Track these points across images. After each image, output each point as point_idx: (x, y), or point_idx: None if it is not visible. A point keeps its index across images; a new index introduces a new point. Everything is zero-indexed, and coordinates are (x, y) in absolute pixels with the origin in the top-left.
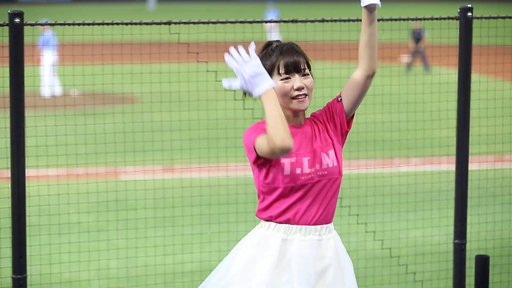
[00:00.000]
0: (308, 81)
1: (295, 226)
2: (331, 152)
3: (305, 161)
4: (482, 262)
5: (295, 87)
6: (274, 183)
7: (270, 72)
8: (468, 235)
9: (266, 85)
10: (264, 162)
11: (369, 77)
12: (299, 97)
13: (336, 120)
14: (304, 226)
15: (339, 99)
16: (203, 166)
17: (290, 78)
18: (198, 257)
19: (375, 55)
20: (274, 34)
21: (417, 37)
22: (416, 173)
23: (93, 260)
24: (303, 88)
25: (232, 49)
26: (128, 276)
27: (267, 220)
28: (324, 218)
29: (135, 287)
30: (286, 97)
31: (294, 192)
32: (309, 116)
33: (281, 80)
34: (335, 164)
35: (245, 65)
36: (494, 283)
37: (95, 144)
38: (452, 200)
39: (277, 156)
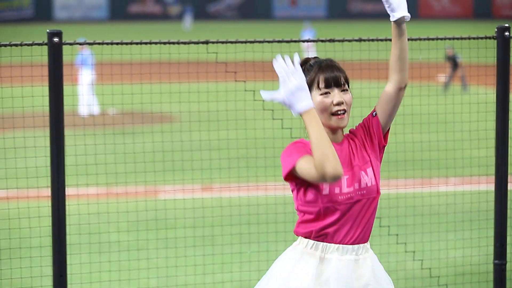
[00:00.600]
0: (347, 97)
1: (332, 245)
2: (369, 170)
3: (344, 180)
4: None
5: (334, 102)
6: (313, 202)
7: (310, 87)
8: (508, 255)
9: (308, 103)
10: (302, 182)
11: (402, 89)
12: (339, 113)
13: (373, 135)
14: (341, 245)
15: (374, 113)
16: (242, 185)
17: (330, 93)
18: (238, 277)
19: (406, 68)
20: (311, 53)
21: (454, 62)
22: (455, 192)
23: (133, 279)
24: (342, 103)
25: (279, 57)
26: None
27: (305, 237)
28: (362, 238)
29: None
30: (326, 113)
31: (333, 211)
32: (347, 133)
33: (321, 94)
34: (373, 182)
35: (291, 76)
36: None
37: (135, 163)
38: (491, 220)
39: (326, 182)
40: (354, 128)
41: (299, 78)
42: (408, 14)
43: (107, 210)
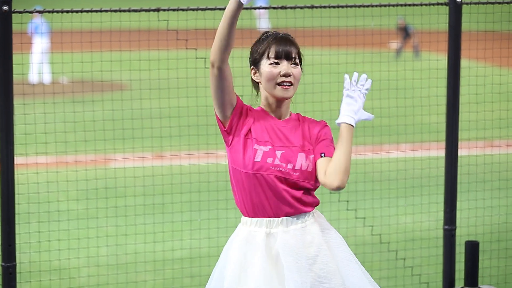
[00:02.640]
0: (296, 71)
1: (276, 219)
2: (311, 157)
3: (279, 154)
4: (472, 248)
5: (282, 73)
6: (242, 168)
7: (261, 57)
8: (458, 221)
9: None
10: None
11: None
12: (284, 84)
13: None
14: (284, 217)
15: (322, 154)
16: (193, 153)
17: (279, 64)
18: (188, 244)
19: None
20: (263, 20)
21: (406, 33)
22: (405, 159)
23: (83, 247)
24: (289, 75)
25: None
26: (118, 263)
27: (249, 216)
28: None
29: (125, 274)
30: (271, 82)
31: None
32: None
33: (270, 64)
34: (310, 169)
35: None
36: (484, 268)
37: (84, 131)
38: (442, 186)
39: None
40: (310, 119)
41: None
42: (370, 116)
43: (57, 179)
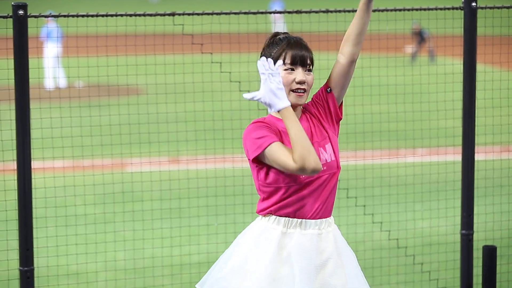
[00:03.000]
0: (310, 77)
1: (295, 219)
2: (328, 146)
3: None
4: (489, 253)
5: (297, 79)
6: (275, 183)
7: (275, 61)
8: (475, 226)
9: (286, 102)
10: (265, 164)
11: (354, 61)
12: (299, 91)
13: (329, 110)
14: (304, 220)
15: (328, 89)
16: (209, 158)
17: (294, 70)
18: (205, 249)
19: (362, 42)
20: (278, 25)
21: (421, 38)
22: (422, 163)
23: (100, 252)
24: (304, 82)
25: (263, 59)
26: (135, 267)
27: (266, 215)
28: (324, 212)
29: (142, 278)
30: (286, 88)
31: (295, 190)
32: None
33: (285, 70)
34: (333, 158)
35: (272, 77)
36: (502, 273)
37: (101, 136)
38: (458, 191)
39: (304, 174)
40: (307, 104)
41: (279, 80)
42: None
43: (74, 183)
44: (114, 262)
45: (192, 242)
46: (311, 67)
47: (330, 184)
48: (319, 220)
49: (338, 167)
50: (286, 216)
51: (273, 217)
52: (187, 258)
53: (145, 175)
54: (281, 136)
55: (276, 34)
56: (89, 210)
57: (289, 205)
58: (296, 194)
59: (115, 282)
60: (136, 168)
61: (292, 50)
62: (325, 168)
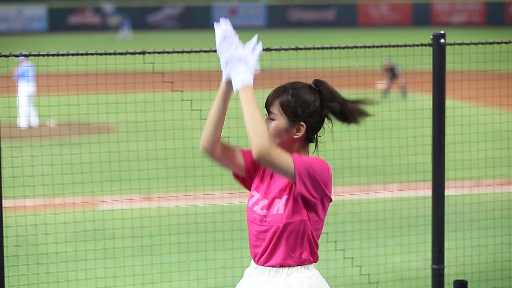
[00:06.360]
0: (270, 125)
1: (253, 263)
2: (283, 199)
3: (255, 198)
4: (461, 287)
5: None
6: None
7: None
8: (446, 260)
9: (246, 78)
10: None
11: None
12: None
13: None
14: (257, 265)
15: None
16: (180, 195)
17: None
18: (177, 285)
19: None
20: None
21: (393, 74)
22: (393, 199)
23: None
24: None
25: (222, 20)
26: None
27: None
28: (269, 260)
29: None
30: None
31: (249, 227)
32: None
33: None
34: (280, 212)
35: (224, 44)
36: None
37: (72, 174)
38: (429, 226)
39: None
40: None
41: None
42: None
43: (45, 221)
44: None
45: (164, 279)
46: (275, 116)
47: (279, 235)
48: (268, 268)
49: (281, 222)
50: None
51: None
52: None
53: (116, 213)
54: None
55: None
56: (61, 248)
57: (252, 245)
58: (250, 232)
59: None
60: (108, 206)
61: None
62: (270, 219)
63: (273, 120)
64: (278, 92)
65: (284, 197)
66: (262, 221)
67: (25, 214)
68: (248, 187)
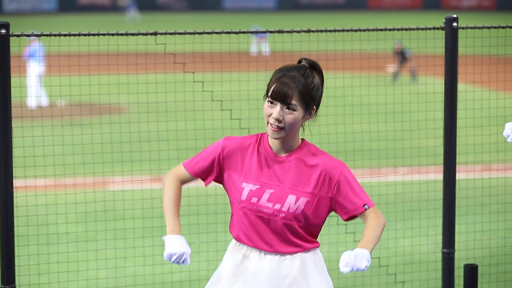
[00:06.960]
0: (289, 116)
1: (254, 248)
2: (302, 199)
3: (268, 193)
4: (471, 271)
5: (273, 116)
6: (231, 203)
7: (267, 90)
8: (456, 244)
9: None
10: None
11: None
12: (273, 126)
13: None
14: (263, 251)
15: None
16: None
17: (274, 105)
18: (187, 267)
19: None
20: (262, 44)
21: (403, 57)
22: (403, 182)
23: (82, 270)
24: (280, 121)
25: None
26: (117, 286)
27: (235, 238)
28: (276, 249)
29: None
30: (265, 119)
31: (247, 217)
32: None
33: (268, 101)
34: (299, 212)
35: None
36: None
37: (83, 154)
38: (440, 209)
39: None
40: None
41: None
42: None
43: (55, 201)
44: (96, 280)
45: None
46: (294, 106)
47: (289, 227)
48: (278, 254)
49: (301, 226)
50: (246, 244)
51: (238, 242)
52: (169, 276)
53: (127, 194)
54: (237, 163)
55: (300, 60)
56: (71, 228)
57: (248, 234)
58: (242, 221)
59: None
60: (118, 186)
61: (277, 84)
62: (283, 215)
63: (295, 111)
64: (291, 84)
65: (304, 199)
66: (272, 215)
67: (35, 194)
68: (221, 181)
